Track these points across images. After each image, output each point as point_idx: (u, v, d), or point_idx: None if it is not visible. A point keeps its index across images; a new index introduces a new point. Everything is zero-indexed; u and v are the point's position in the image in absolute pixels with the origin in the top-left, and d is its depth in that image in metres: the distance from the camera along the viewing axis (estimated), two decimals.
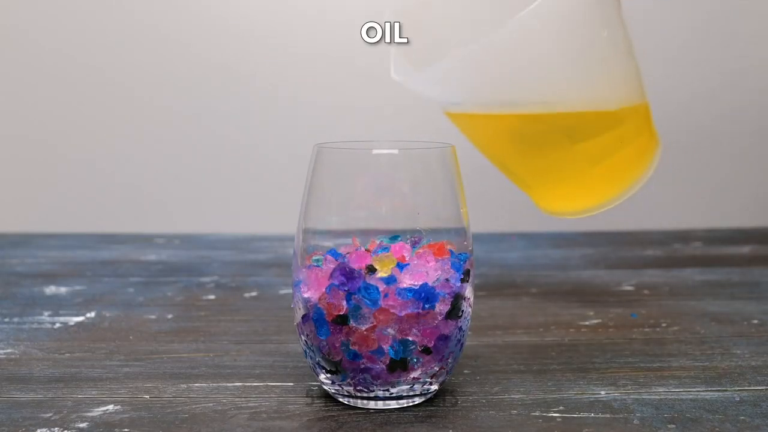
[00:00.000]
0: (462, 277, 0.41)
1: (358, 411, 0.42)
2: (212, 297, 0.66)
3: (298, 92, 0.96)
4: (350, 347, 0.40)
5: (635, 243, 0.89)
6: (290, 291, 0.63)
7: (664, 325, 0.57)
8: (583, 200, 0.62)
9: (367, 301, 0.39)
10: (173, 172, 0.97)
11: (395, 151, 0.42)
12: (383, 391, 0.41)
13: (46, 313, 0.61)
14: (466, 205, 0.43)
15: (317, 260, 0.42)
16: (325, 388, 0.43)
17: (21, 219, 0.97)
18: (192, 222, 0.97)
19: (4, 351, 0.52)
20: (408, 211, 0.42)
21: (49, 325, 0.58)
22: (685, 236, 0.92)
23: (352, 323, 0.40)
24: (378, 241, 0.43)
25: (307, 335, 0.42)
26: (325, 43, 0.95)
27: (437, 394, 0.44)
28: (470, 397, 0.44)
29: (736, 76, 0.96)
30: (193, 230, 0.97)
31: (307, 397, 0.44)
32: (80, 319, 0.60)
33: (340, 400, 0.43)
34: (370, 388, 0.41)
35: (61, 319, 0.60)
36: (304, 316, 0.42)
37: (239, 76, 0.95)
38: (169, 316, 0.60)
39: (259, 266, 0.78)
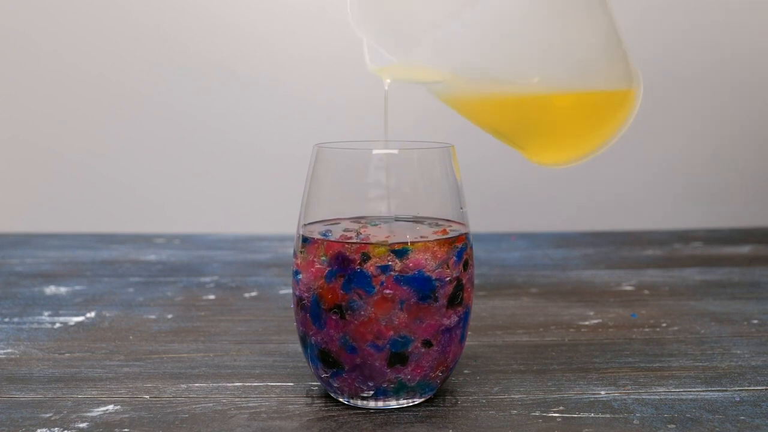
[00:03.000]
0: (462, 264, 0.41)
1: (358, 411, 0.42)
2: (212, 297, 0.66)
3: (298, 92, 0.96)
4: (348, 339, 0.40)
5: (635, 243, 0.89)
6: (290, 291, 0.63)
7: (664, 325, 0.57)
8: (573, 152, 0.63)
9: (363, 290, 0.39)
10: (173, 172, 0.97)
11: (395, 151, 0.42)
12: (383, 386, 0.41)
13: (46, 313, 0.61)
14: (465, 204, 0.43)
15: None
16: (325, 387, 0.43)
17: (21, 219, 0.97)
18: (192, 222, 0.97)
19: (4, 351, 0.52)
20: (408, 211, 0.42)
21: (49, 325, 0.58)
22: (685, 236, 0.92)
23: (348, 313, 0.39)
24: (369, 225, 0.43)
25: (305, 327, 0.41)
26: (325, 42, 0.95)
27: (437, 393, 0.44)
28: (470, 397, 0.44)
29: (736, 76, 0.96)
30: (193, 230, 0.97)
31: (307, 397, 0.44)
32: (80, 319, 0.60)
33: (340, 399, 0.43)
34: (369, 383, 0.41)
35: (61, 319, 0.60)
36: (301, 308, 0.41)
37: (239, 76, 0.95)
38: (169, 316, 0.60)
39: (259, 266, 0.78)
